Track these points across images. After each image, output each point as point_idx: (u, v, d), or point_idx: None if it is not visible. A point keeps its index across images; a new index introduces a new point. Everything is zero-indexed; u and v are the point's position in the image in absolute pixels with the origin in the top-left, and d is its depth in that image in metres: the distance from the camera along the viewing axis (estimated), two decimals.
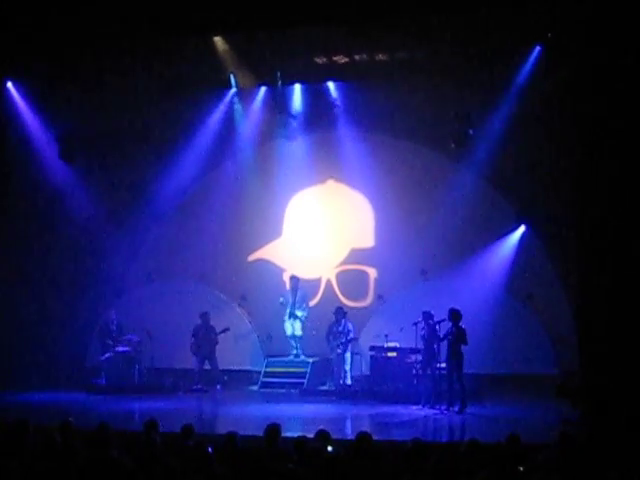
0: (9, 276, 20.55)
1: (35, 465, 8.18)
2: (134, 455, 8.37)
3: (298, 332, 20.68)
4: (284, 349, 20.89)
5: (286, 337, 20.77)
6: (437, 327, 17.13)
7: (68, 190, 20.79)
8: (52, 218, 20.81)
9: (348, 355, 19.32)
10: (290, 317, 20.64)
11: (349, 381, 19.27)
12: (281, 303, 20.51)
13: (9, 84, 20.08)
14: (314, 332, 20.47)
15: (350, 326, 19.41)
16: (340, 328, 19.33)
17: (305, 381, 19.83)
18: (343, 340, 19.17)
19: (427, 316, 17.34)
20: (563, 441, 8.28)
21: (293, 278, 20.87)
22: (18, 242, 20.68)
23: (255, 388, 20.33)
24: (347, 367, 19.30)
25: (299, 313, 20.60)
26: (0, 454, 8.26)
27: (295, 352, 20.73)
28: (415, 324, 17.54)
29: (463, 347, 16.73)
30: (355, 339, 19.40)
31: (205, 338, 20.18)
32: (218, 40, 18.86)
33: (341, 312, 19.52)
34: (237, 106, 21.33)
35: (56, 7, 16.00)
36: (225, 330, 20.25)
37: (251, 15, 15.89)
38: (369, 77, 19.70)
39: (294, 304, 20.62)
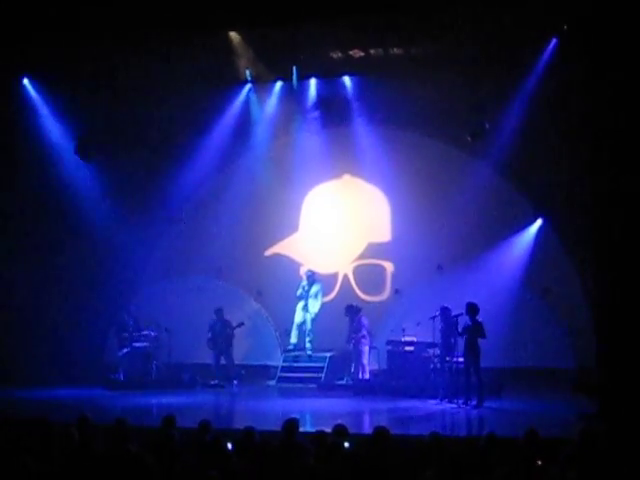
0: (27, 274, 20.63)
1: (54, 461, 8.21)
2: (152, 451, 8.38)
3: (308, 325, 20.71)
4: (301, 343, 20.90)
5: (295, 325, 20.81)
6: (456, 321, 17.07)
7: (84, 187, 20.83)
8: (69, 216, 20.84)
9: (366, 349, 19.31)
10: (303, 309, 20.68)
11: (367, 375, 19.27)
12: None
13: (25, 81, 20.17)
14: None
15: (364, 321, 19.40)
16: (354, 324, 19.34)
17: (322, 376, 19.87)
18: (355, 336, 19.20)
19: (445, 311, 17.32)
20: (584, 436, 8.23)
21: (309, 273, 20.89)
22: (34, 240, 20.74)
23: (272, 383, 20.36)
24: (365, 361, 19.29)
25: (312, 308, 20.63)
26: (19, 450, 8.28)
27: (295, 341, 20.80)
28: (432, 318, 17.51)
29: (480, 341, 16.69)
30: (367, 335, 19.35)
31: (221, 333, 20.21)
32: (234, 35, 18.86)
33: (351, 310, 19.55)
34: (253, 101, 21.34)
35: (73, 4, 16.05)
36: (240, 325, 20.28)
37: (267, 10, 15.90)
38: (385, 71, 19.66)
39: (308, 297, 20.65)
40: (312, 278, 20.86)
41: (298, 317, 20.83)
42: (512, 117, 18.84)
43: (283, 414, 12.93)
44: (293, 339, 20.88)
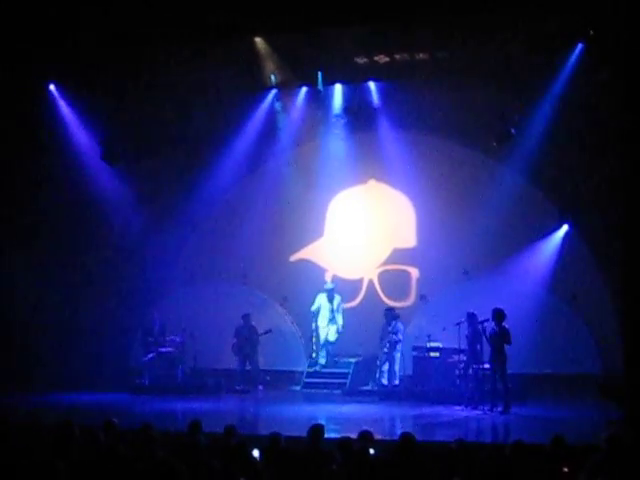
0: (53, 279, 20.75)
1: (80, 465, 8.23)
2: (178, 456, 8.39)
3: (332, 337, 20.65)
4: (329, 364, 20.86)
5: (322, 343, 20.74)
6: (481, 327, 17.02)
7: (110, 193, 20.92)
8: (95, 221, 20.97)
9: (398, 355, 19.28)
10: (329, 322, 20.61)
11: (397, 381, 19.24)
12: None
13: (52, 87, 20.28)
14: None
15: (401, 327, 19.41)
16: (390, 328, 19.32)
17: (347, 381, 19.84)
18: (390, 339, 19.16)
19: (471, 317, 17.28)
20: (611, 442, 8.18)
21: (329, 287, 20.83)
22: (60, 245, 20.85)
23: (298, 388, 20.36)
24: (396, 367, 19.26)
25: (340, 321, 20.59)
26: (46, 454, 8.31)
27: (323, 362, 20.64)
28: (458, 324, 17.49)
29: (507, 347, 16.63)
30: (402, 340, 19.34)
31: (247, 339, 20.23)
32: (259, 41, 18.91)
33: (391, 314, 19.54)
34: (278, 106, 21.33)
35: (100, 10, 16.13)
36: (268, 332, 20.30)
37: (292, 16, 15.93)
38: (410, 77, 19.66)
39: (332, 310, 20.58)
40: (332, 292, 20.78)
41: (324, 333, 20.73)
42: (538, 122, 18.79)
43: (308, 420, 12.91)
44: (321, 360, 20.75)
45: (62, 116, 20.53)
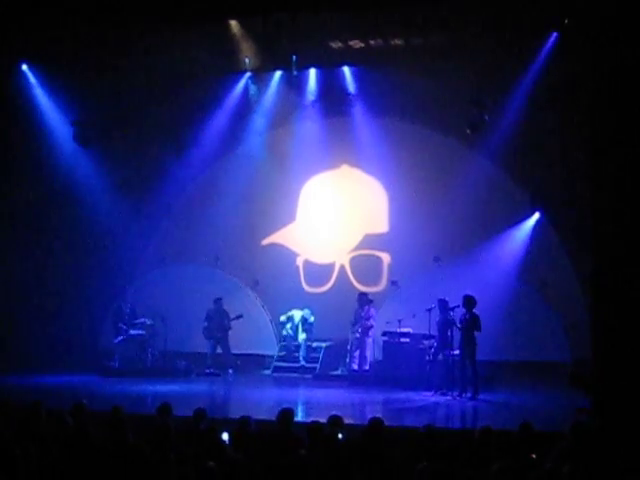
0: (22, 261, 20.61)
1: (48, 448, 8.21)
2: (147, 439, 8.38)
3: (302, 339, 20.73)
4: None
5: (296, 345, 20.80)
6: (451, 314, 17.10)
7: (82, 174, 20.82)
8: (66, 202, 20.86)
9: (369, 341, 19.35)
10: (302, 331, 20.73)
11: (367, 367, 19.31)
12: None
13: (24, 67, 20.12)
14: None
15: (373, 312, 19.45)
16: (362, 313, 19.37)
17: (318, 366, 19.89)
18: (363, 325, 19.22)
19: (442, 303, 17.33)
20: (576, 430, 8.26)
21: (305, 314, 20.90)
22: (30, 226, 20.72)
23: (268, 372, 20.38)
24: (367, 353, 19.34)
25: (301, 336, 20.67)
26: (13, 436, 8.28)
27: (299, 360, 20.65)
28: (428, 310, 17.56)
29: (476, 333, 16.71)
30: (374, 326, 19.41)
31: (218, 322, 20.20)
32: (233, 24, 18.83)
33: (364, 299, 19.57)
34: (252, 90, 21.26)
35: None
36: (238, 317, 20.24)
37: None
38: (384, 62, 19.66)
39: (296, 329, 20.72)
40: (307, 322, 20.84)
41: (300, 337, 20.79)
42: (512, 110, 18.87)
43: (278, 404, 12.92)
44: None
45: (34, 96, 20.36)
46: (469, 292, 16.92)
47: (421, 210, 20.14)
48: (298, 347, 20.50)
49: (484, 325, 16.76)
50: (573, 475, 7.25)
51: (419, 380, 17.84)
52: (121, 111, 20.41)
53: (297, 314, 20.72)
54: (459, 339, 16.90)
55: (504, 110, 18.93)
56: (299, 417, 11.67)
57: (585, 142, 15.43)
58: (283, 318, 20.92)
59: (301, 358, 20.35)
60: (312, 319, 20.68)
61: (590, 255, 15.12)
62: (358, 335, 19.29)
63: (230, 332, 20.30)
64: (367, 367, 19.29)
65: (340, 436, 8.71)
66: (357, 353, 19.31)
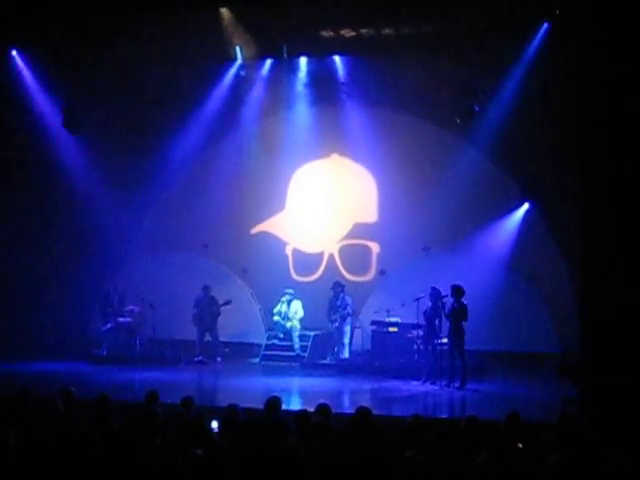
0: (11, 247, 20.56)
1: (36, 434, 8.20)
2: (135, 426, 8.38)
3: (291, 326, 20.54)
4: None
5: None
6: (440, 303, 17.11)
7: (72, 161, 20.77)
8: (55, 189, 20.84)
9: (347, 329, 19.40)
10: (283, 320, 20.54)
11: (347, 355, 19.35)
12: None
13: (14, 53, 20.05)
14: None
15: (348, 300, 19.44)
16: (338, 302, 19.37)
17: (306, 354, 19.90)
18: (341, 314, 19.23)
19: (435, 292, 17.27)
20: (563, 420, 8.29)
21: (289, 294, 20.65)
22: (18, 213, 20.68)
23: (256, 361, 20.37)
24: (345, 340, 19.38)
25: (295, 327, 20.45)
26: (1, 423, 8.27)
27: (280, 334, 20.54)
28: (417, 299, 17.59)
29: (465, 323, 16.72)
30: (352, 313, 19.41)
31: (207, 310, 20.18)
32: (224, 11, 18.80)
33: (339, 286, 19.60)
34: (242, 78, 21.18)
35: None
36: (227, 302, 20.21)
37: None
38: (375, 51, 19.60)
39: (288, 317, 20.47)
40: (292, 296, 20.60)
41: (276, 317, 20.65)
42: (502, 100, 18.84)
43: (266, 392, 12.93)
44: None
45: (24, 83, 20.29)
46: (458, 282, 16.92)
47: (410, 199, 20.11)
48: (289, 335, 20.39)
49: (472, 315, 16.77)
50: (560, 464, 7.28)
51: (407, 369, 17.88)
52: (110, 98, 20.34)
53: (295, 304, 20.57)
54: (448, 329, 16.91)
55: (494, 100, 18.91)
56: (287, 405, 11.67)
57: (575, 133, 15.47)
58: (278, 308, 20.71)
59: (297, 346, 20.23)
60: (302, 313, 20.53)
61: (579, 246, 15.19)
62: (337, 324, 19.31)
63: (219, 320, 20.26)
64: (346, 355, 19.34)
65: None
66: (346, 341, 19.36)
